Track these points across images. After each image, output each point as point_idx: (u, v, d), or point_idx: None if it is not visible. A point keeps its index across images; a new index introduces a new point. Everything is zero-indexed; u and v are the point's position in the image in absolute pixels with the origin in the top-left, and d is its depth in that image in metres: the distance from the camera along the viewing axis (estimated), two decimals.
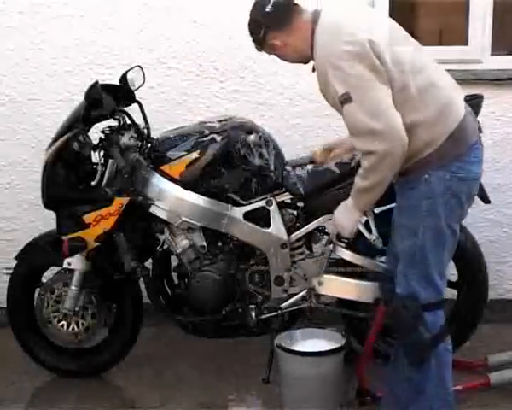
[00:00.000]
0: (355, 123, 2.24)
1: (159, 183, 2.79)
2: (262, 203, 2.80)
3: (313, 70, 2.41)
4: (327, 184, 2.75)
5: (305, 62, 2.47)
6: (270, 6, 2.39)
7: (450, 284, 3.02)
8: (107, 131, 2.82)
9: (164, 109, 3.44)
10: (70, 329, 2.97)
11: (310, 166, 2.81)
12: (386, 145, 2.20)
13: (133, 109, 2.93)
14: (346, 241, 2.88)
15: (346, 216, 2.47)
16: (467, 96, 2.72)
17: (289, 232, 2.80)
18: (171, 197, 2.79)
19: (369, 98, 2.21)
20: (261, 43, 2.47)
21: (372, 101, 2.21)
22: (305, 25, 2.37)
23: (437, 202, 2.26)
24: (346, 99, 2.22)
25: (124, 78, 2.89)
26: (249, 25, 2.50)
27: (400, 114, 2.21)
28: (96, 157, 2.86)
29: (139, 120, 2.91)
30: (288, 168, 2.83)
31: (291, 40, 2.41)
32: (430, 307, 2.32)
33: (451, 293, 3.02)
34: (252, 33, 2.49)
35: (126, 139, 2.80)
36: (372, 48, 2.20)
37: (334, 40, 2.25)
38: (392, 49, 2.24)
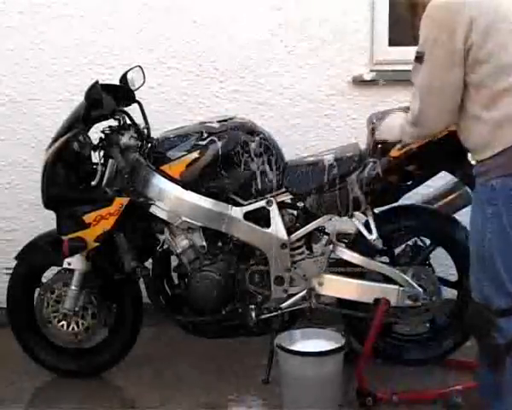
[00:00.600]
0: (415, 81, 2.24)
1: (159, 183, 2.79)
2: (262, 203, 2.80)
3: None
4: (327, 184, 2.75)
5: None
6: None
7: (450, 284, 3.03)
8: (107, 131, 2.82)
9: (164, 109, 3.44)
10: (70, 329, 2.97)
11: (310, 167, 2.81)
12: (415, 128, 2.26)
13: (133, 109, 2.93)
14: (345, 241, 2.89)
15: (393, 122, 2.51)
16: None
17: (289, 232, 2.80)
18: (171, 197, 2.79)
19: (430, 74, 2.16)
20: None
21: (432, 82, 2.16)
22: None
23: (501, 208, 2.19)
24: (417, 58, 2.21)
25: (124, 78, 2.89)
26: None
27: (466, 102, 2.15)
28: (96, 157, 2.86)
29: (139, 120, 2.91)
30: (288, 168, 2.84)
31: None
32: (504, 313, 2.23)
33: (451, 293, 3.03)
34: None
35: (126, 139, 2.80)
36: (470, 26, 2.06)
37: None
38: (493, 38, 2.08)
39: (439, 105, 2.19)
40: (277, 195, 2.81)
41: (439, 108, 2.19)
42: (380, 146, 2.71)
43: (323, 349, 2.61)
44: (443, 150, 2.63)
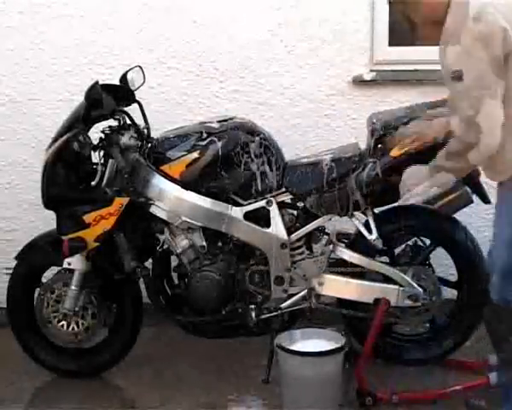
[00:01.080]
0: (458, 105, 2.22)
1: (159, 183, 2.79)
2: (262, 203, 2.80)
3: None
4: (327, 184, 2.75)
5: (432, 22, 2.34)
6: None
7: (451, 284, 3.03)
8: (107, 131, 2.82)
9: (164, 109, 3.44)
10: (70, 329, 2.97)
11: (310, 167, 2.81)
12: (476, 139, 2.15)
13: (133, 109, 2.93)
14: (345, 241, 2.89)
15: (418, 175, 2.45)
16: None
17: (289, 232, 2.80)
18: (171, 197, 2.79)
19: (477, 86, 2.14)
20: None
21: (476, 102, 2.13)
22: None
23: None
24: (457, 77, 2.18)
25: (124, 78, 2.89)
26: None
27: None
28: (96, 157, 2.86)
29: (139, 120, 2.91)
30: (288, 168, 2.84)
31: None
32: None
33: (451, 293, 3.03)
34: None
35: (126, 139, 2.80)
36: (505, 38, 2.10)
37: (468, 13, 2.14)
38: None
39: (494, 112, 2.15)
40: (277, 195, 2.81)
41: (496, 114, 2.15)
42: (380, 146, 2.71)
43: (323, 349, 2.61)
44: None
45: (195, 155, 2.76)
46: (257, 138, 2.81)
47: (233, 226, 2.79)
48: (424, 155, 2.62)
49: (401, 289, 2.80)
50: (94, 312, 2.98)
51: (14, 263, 3.05)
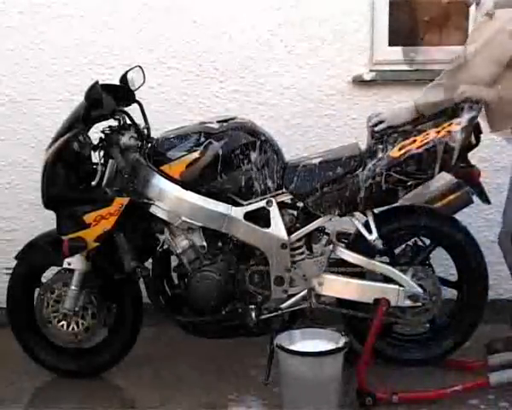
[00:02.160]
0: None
1: (159, 183, 2.79)
2: (262, 203, 2.80)
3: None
4: (327, 184, 2.75)
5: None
6: None
7: (451, 284, 3.03)
8: (107, 131, 2.82)
9: (164, 109, 3.44)
10: (70, 329, 2.97)
11: (310, 167, 2.80)
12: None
13: (133, 109, 2.93)
14: (345, 241, 2.89)
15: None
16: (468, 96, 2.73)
17: (289, 232, 2.80)
18: (171, 197, 2.79)
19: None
20: None
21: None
22: None
23: None
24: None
25: (124, 78, 2.89)
26: None
27: None
28: (96, 157, 2.86)
29: (139, 120, 2.91)
30: (288, 168, 2.83)
31: None
32: None
33: (451, 293, 3.03)
34: None
35: (126, 139, 2.80)
36: None
37: None
38: None
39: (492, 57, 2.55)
40: (277, 195, 2.81)
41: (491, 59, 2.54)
42: (380, 146, 2.71)
43: (323, 349, 2.61)
44: (443, 150, 2.64)
45: (195, 155, 2.76)
46: (257, 138, 2.81)
47: (233, 226, 2.79)
48: (424, 153, 2.63)
49: (401, 289, 2.80)
50: (94, 312, 2.98)
51: (14, 263, 3.05)
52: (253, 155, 2.78)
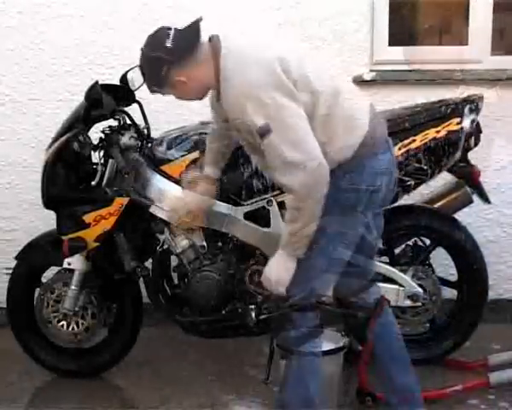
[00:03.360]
0: (275, 155, 2.11)
1: (159, 183, 2.79)
2: (262, 203, 2.80)
3: (217, 99, 2.27)
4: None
5: (202, 97, 2.34)
6: (170, 41, 2.21)
7: (451, 284, 3.03)
8: (107, 131, 2.82)
9: (164, 109, 3.43)
10: (70, 329, 2.97)
11: None
12: (310, 175, 2.08)
13: (133, 109, 2.93)
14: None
15: (282, 269, 2.27)
16: (467, 96, 2.74)
17: None
18: (171, 197, 2.79)
19: (288, 127, 2.09)
20: (161, 84, 2.26)
21: (291, 129, 2.09)
22: (207, 54, 2.22)
23: None
24: (265, 131, 2.09)
25: (124, 78, 2.89)
26: (145, 64, 2.29)
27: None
28: (96, 157, 2.86)
29: (139, 120, 2.91)
30: None
31: (196, 74, 2.23)
32: None
33: (451, 293, 3.03)
34: (149, 74, 2.28)
35: (126, 139, 2.80)
36: (281, 66, 2.11)
37: (244, 68, 2.12)
38: (300, 70, 2.15)
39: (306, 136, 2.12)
40: (277, 195, 2.81)
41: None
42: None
43: (323, 349, 2.61)
44: (443, 150, 2.64)
45: (195, 154, 2.76)
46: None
47: (233, 226, 2.79)
48: (424, 153, 2.63)
49: (401, 289, 2.80)
50: (94, 312, 2.98)
51: (14, 263, 3.05)
52: None
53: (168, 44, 2.20)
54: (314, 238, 2.20)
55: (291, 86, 2.11)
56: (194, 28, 2.26)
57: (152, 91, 2.33)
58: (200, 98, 2.35)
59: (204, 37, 2.28)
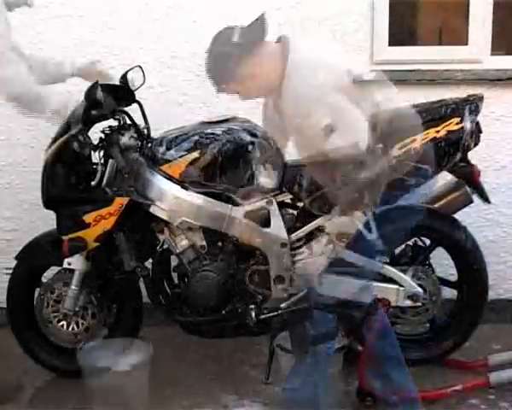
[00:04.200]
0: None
1: (159, 183, 2.79)
2: (262, 203, 2.80)
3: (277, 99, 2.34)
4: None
5: (267, 95, 2.40)
6: (237, 36, 2.28)
7: (451, 284, 3.03)
8: (107, 131, 2.82)
9: (164, 109, 3.44)
10: (70, 329, 2.98)
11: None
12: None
13: (133, 109, 2.93)
14: (345, 241, 2.88)
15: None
16: (467, 96, 2.74)
17: (289, 232, 2.80)
18: (171, 197, 2.79)
19: (350, 128, 2.24)
20: (229, 80, 2.33)
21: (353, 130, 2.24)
22: (275, 53, 2.29)
23: None
24: (328, 131, 2.21)
25: (124, 78, 2.89)
26: (213, 62, 2.34)
27: None
28: (96, 157, 2.86)
29: (139, 120, 2.91)
30: (288, 168, 2.83)
31: (262, 71, 2.30)
32: None
33: (451, 293, 3.03)
34: (218, 71, 2.33)
35: (126, 139, 2.80)
36: (348, 74, 2.27)
37: (311, 71, 2.21)
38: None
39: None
40: (277, 195, 2.81)
41: None
42: (380, 146, 2.71)
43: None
44: (443, 150, 2.63)
45: (195, 154, 2.76)
46: (257, 138, 2.81)
47: (233, 226, 2.79)
48: (424, 153, 2.62)
49: (401, 289, 2.80)
50: (94, 312, 2.98)
51: (14, 263, 3.05)
52: (253, 155, 2.77)
53: (235, 40, 2.26)
54: None
55: (355, 92, 2.24)
56: (260, 25, 2.32)
57: (219, 90, 2.39)
58: (265, 96, 2.42)
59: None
